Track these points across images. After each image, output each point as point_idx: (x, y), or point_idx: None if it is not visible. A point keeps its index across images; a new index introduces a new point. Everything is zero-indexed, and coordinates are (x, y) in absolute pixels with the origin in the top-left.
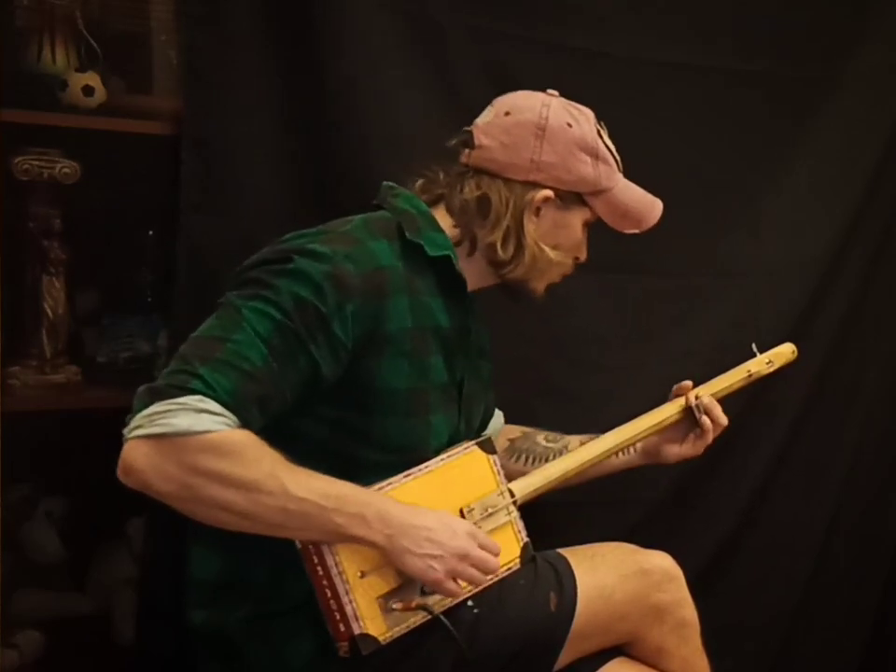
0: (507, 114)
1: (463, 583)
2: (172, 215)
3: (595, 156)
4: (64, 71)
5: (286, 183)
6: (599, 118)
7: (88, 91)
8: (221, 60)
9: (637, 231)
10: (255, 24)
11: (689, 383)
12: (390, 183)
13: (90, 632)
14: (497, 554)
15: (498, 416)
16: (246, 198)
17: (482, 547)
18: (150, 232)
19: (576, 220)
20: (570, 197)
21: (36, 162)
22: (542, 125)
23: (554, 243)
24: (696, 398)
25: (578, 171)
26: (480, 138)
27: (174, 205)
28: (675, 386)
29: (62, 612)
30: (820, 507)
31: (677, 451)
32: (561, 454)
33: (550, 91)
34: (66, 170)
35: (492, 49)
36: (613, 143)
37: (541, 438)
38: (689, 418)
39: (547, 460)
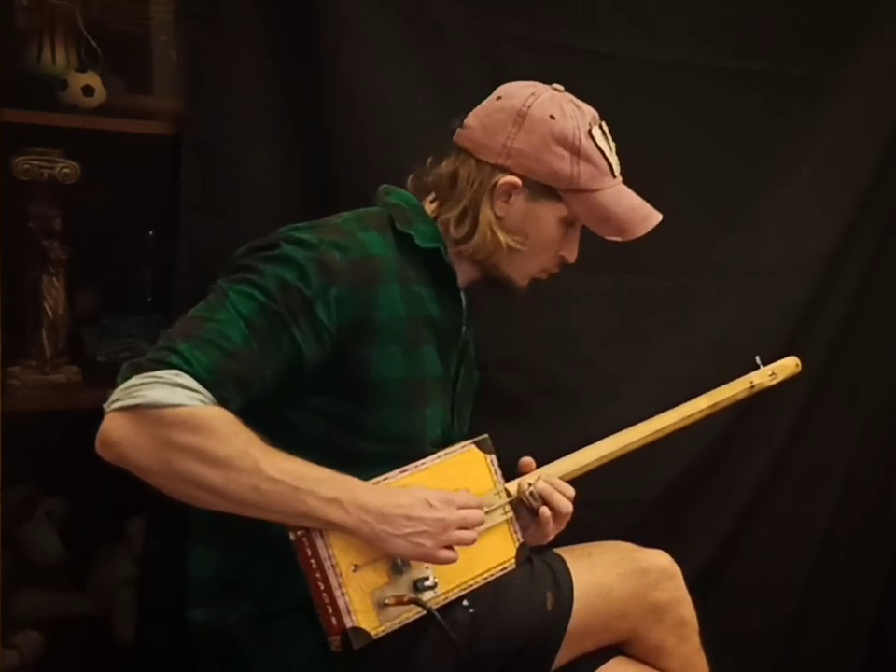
0: (498, 98)
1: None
2: (172, 215)
3: (576, 153)
4: (64, 71)
5: (285, 183)
6: (599, 117)
7: (88, 91)
8: (221, 60)
9: (618, 239)
10: (255, 24)
11: (529, 460)
12: (385, 185)
13: (90, 632)
14: (478, 506)
15: None
16: (246, 198)
17: (461, 507)
18: (150, 232)
19: (548, 214)
20: (541, 189)
21: (36, 162)
22: (523, 112)
23: (521, 232)
24: (529, 484)
25: (550, 164)
26: (469, 118)
27: (174, 205)
28: (520, 461)
29: (62, 612)
30: (820, 507)
31: (528, 538)
32: None
33: (556, 85)
34: (66, 170)
35: (492, 49)
36: (614, 146)
37: None
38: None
39: None
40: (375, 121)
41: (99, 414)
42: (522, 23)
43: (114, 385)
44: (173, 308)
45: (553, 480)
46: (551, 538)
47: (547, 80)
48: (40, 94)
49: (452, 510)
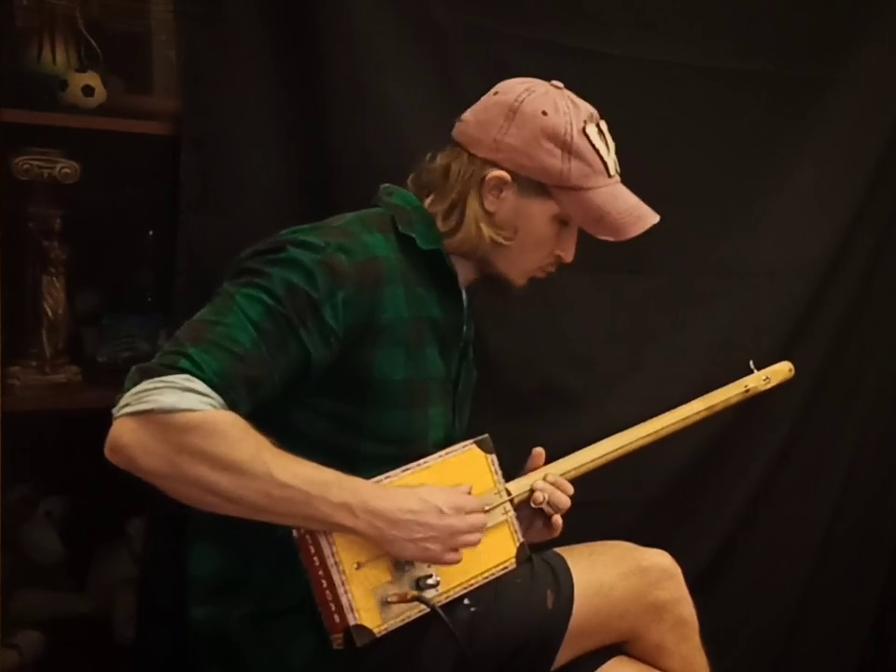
0: (495, 93)
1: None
2: (172, 215)
3: (568, 150)
4: (64, 71)
5: (285, 183)
6: (598, 116)
7: (88, 90)
8: (221, 60)
9: (611, 239)
10: (255, 24)
11: (540, 450)
12: (387, 185)
13: (90, 632)
14: (481, 510)
15: None
16: (246, 198)
17: (469, 513)
18: (150, 232)
19: (538, 211)
20: (531, 185)
21: (36, 162)
22: (515, 107)
23: (511, 228)
24: (544, 478)
25: (540, 160)
26: (466, 113)
27: (174, 205)
28: (533, 451)
29: (62, 612)
30: (820, 507)
31: (532, 536)
32: None
33: (555, 82)
34: (66, 170)
35: (492, 49)
36: (613, 145)
37: None
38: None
39: None
40: (375, 121)
41: (99, 415)
42: (522, 23)
43: (114, 385)
44: (172, 308)
45: (555, 479)
46: (556, 535)
47: (547, 80)
48: (40, 94)
49: (461, 516)
